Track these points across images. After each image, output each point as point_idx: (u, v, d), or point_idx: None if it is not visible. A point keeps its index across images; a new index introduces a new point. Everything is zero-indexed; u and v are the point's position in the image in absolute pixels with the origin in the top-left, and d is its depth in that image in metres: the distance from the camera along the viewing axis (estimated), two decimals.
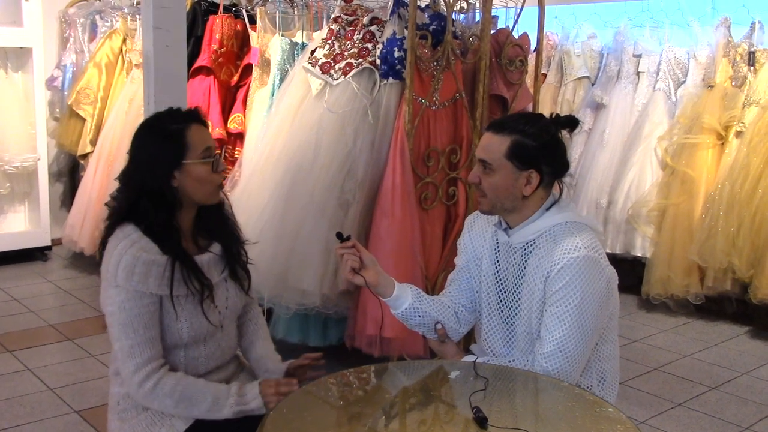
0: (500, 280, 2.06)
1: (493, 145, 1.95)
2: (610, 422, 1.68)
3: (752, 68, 4.78)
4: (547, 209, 1.98)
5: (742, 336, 4.47)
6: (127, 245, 1.85)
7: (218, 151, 2.04)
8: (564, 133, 2.03)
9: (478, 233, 2.14)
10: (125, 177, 1.96)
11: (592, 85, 5.52)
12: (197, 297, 1.92)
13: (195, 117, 1.97)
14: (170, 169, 1.90)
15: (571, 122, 2.02)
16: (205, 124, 2.00)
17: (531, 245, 1.98)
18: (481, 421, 1.59)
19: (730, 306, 4.66)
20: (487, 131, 2.01)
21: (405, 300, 2.06)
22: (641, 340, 4.35)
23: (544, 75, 5.63)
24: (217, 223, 2.05)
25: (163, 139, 1.92)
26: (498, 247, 2.07)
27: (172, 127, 1.92)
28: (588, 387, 1.99)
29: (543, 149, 1.95)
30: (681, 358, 4.08)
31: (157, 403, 1.88)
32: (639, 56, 5.27)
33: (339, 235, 2.03)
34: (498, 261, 2.07)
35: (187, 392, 1.87)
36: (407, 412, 1.79)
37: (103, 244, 1.93)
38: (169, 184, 1.91)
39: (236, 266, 2.07)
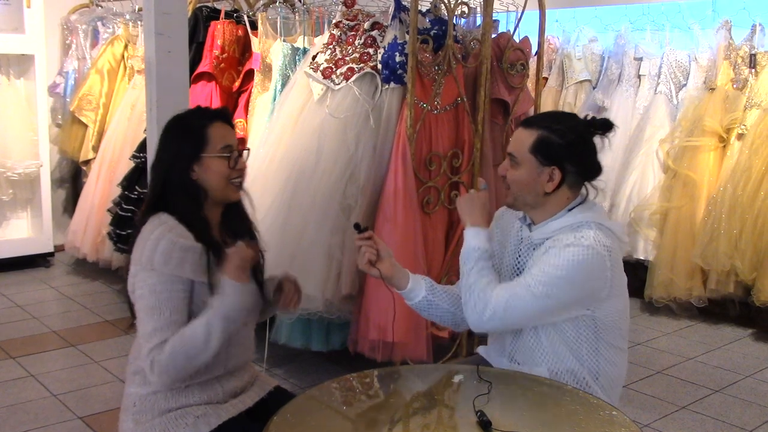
0: (519, 274, 2.06)
1: (521, 139, 2.00)
2: (614, 426, 1.67)
3: (753, 71, 4.79)
4: (570, 210, 1.99)
5: (746, 339, 4.47)
6: (165, 231, 1.88)
7: (245, 148, 2.08)
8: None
9: (506, 225, 2.18)
10: (152, 169, 2.04)
11: (594, 88, 5.53)
12: None
13: (220, 115, 2.04)
14: (190, 162, 1.95)
15: (605, 125, 2.03)
16: (229, 123, 2.06)
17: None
18: (484, 425, 1.59)
19: (733, 309, 4.65)
20: (518, 126, 2.05)
21: (419, 292, 2.10)
22: (644, 343, 4.34)
23: (545, 78, 5.63)
24: (242, 226, 2.10)
25: (185, 133, 1.99)
26: (521, 241, 2.09)
27: (195, 123, 1.99)
28: (582, 378, 1.99)
29: (568, 147, 1.96)
30: (684, 361, 4.08)
31: (173, 373, 1.85)
32: (640, 59, 5.28)
33: (357, 226, 2.07)
34: (520, 255, 2.08)
35: (181, 346, 1.82)
36: (411, 416, 1.79)
37: (134, 234, 1.95)
38: (189, 177, 1.96)
39: (258, 269, 2.08)
